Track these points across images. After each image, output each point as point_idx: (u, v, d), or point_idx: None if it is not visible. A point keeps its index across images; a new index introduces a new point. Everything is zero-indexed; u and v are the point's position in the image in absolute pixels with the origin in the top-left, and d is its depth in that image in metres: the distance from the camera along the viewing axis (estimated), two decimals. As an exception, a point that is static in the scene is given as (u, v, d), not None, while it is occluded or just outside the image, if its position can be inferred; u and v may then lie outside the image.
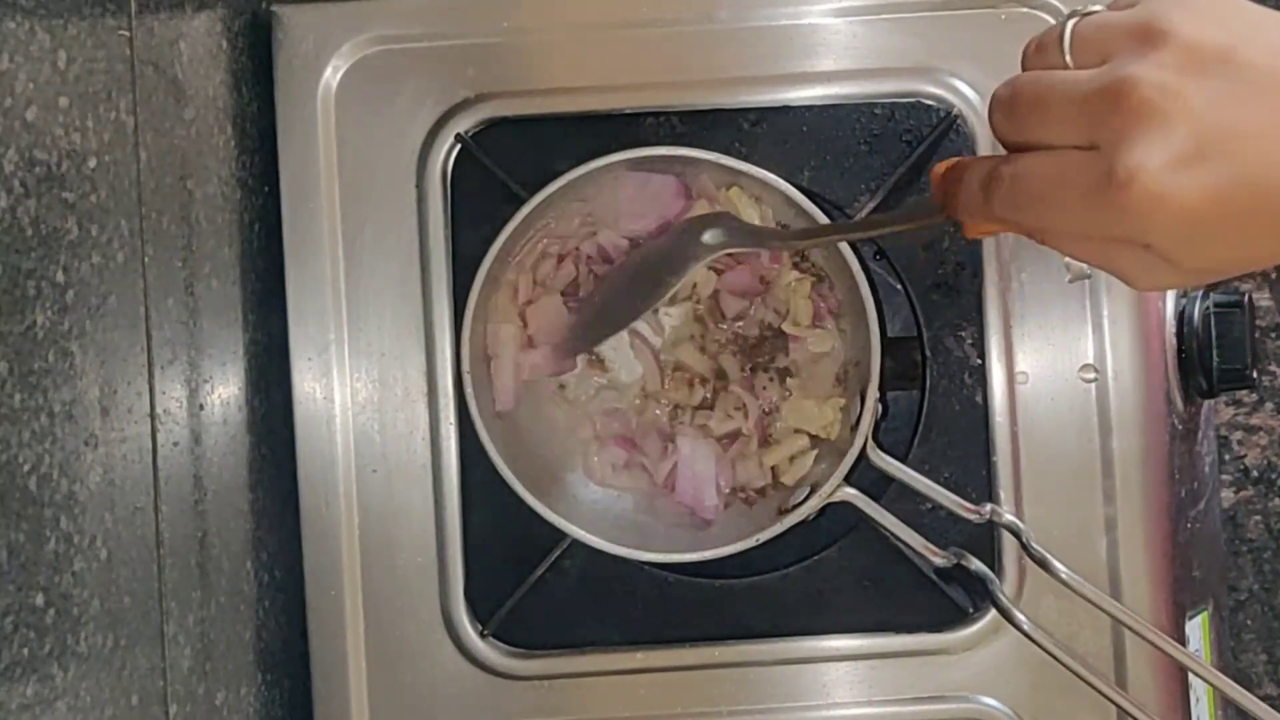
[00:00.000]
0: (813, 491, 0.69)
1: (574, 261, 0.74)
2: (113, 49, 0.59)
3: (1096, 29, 0.47)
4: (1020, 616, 0.63)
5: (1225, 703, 0.78)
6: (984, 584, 0.65)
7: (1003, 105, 0.49)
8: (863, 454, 0.68)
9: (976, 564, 0.65)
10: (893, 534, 0.68)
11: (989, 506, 0.68)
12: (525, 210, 0.69)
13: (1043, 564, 0.63)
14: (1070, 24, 0.48)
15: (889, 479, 0.70)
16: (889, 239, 0.74)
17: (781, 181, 0.69)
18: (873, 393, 0.68)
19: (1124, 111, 0.44)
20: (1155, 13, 0.45)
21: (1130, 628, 0.64)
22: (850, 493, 0.68)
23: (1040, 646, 0.64)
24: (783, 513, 0.69)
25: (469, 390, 0.70)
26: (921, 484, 0.68)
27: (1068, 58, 0.48)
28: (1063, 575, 0.62)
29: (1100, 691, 0.63)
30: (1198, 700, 0.74)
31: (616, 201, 0.73)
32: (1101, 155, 0.44)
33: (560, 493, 0.73)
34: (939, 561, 0.67)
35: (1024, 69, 0.50)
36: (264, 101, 0.75)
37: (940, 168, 0.54)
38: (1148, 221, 0.44)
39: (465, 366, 0.70)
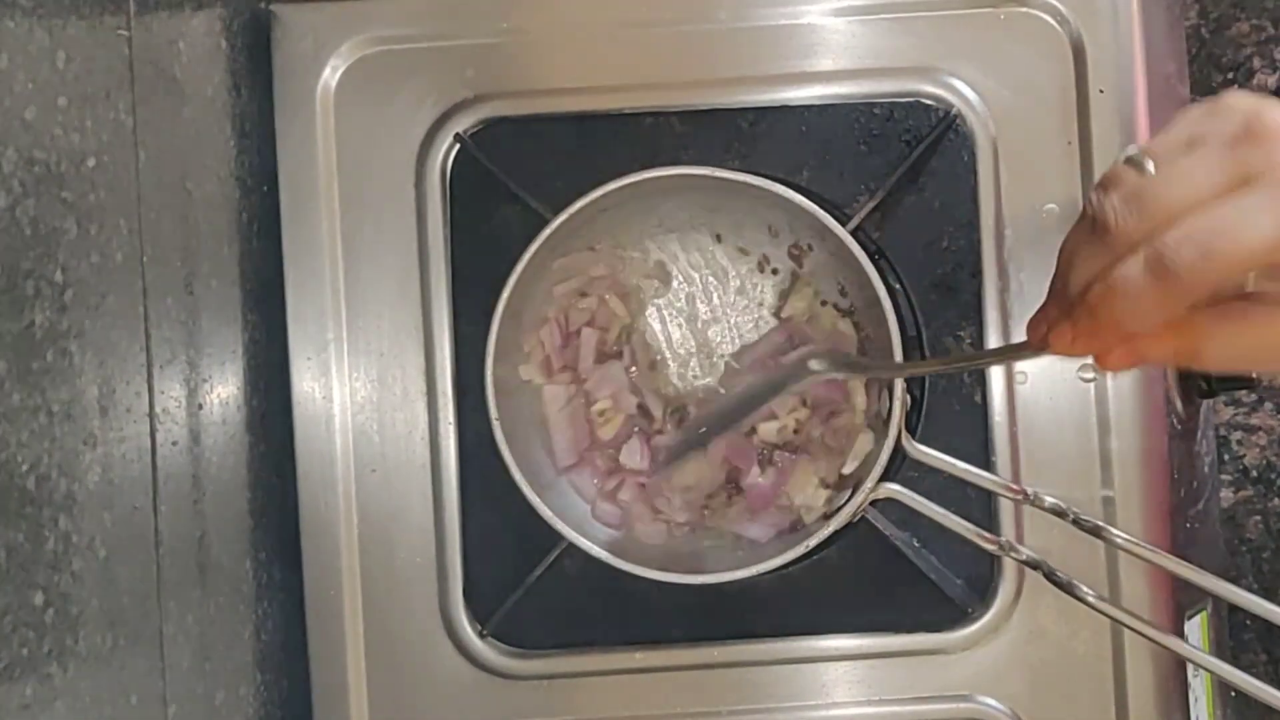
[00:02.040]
0: (854, 492, 0.69)
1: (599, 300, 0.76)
2: (112, 49, 0.59)
3: (1182, 143, 0.47)
4: (1085, 590, 0.62)
5: (1224, 703, 0.78)
6: (1039, 568, 0.65)
7: (1126, 196, 0.47)
8: (898, 447, 0.68)
9: (1026, 550, 0.65)
10: (940, 523, 0.67)
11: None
12: (536, 244, 0.70)
13: (1069, 590, 0.63)
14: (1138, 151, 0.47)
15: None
16: (889, 240, 0.74)
17: (793, 193, 0.69)
18: (899, 384, 0.68)
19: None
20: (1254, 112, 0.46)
21: (1164, 645, 0.63)
22: (892, 488, 0.68)
23: (1108, 615, 0.63)
24: (827, 516, 0.69)
25: (500, 436, 0.70)
26: (961, 470, 0.67)
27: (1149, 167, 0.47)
28: (1090, 600, 0.62)
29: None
30: (1196, 700, 0.74)
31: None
32: (1272, 175, 0.44)
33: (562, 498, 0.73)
34: (990, 548, 0.66)
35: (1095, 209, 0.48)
36: (263, 101, 0.75)
37: (1049, 314, 0.51)
38: None
39: (493, 414, 0.69)
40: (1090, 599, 0.62)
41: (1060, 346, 0.50)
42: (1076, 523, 0.63)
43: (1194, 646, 0.70)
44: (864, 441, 0.72)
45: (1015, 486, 0.67)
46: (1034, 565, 0.64)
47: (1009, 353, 0.57)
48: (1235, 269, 0.45)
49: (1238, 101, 0.46)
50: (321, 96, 0.75)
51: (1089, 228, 0.48)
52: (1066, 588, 0.62)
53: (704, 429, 0.73)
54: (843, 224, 0.69)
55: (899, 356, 0.68)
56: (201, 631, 0.65)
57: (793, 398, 0.74)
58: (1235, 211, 0.44)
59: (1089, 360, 0.72)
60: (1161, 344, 0.48)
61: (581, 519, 0.73)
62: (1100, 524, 0.62)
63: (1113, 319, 0.47)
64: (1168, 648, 0.61)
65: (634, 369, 0.75)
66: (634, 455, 0.74)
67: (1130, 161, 0.47)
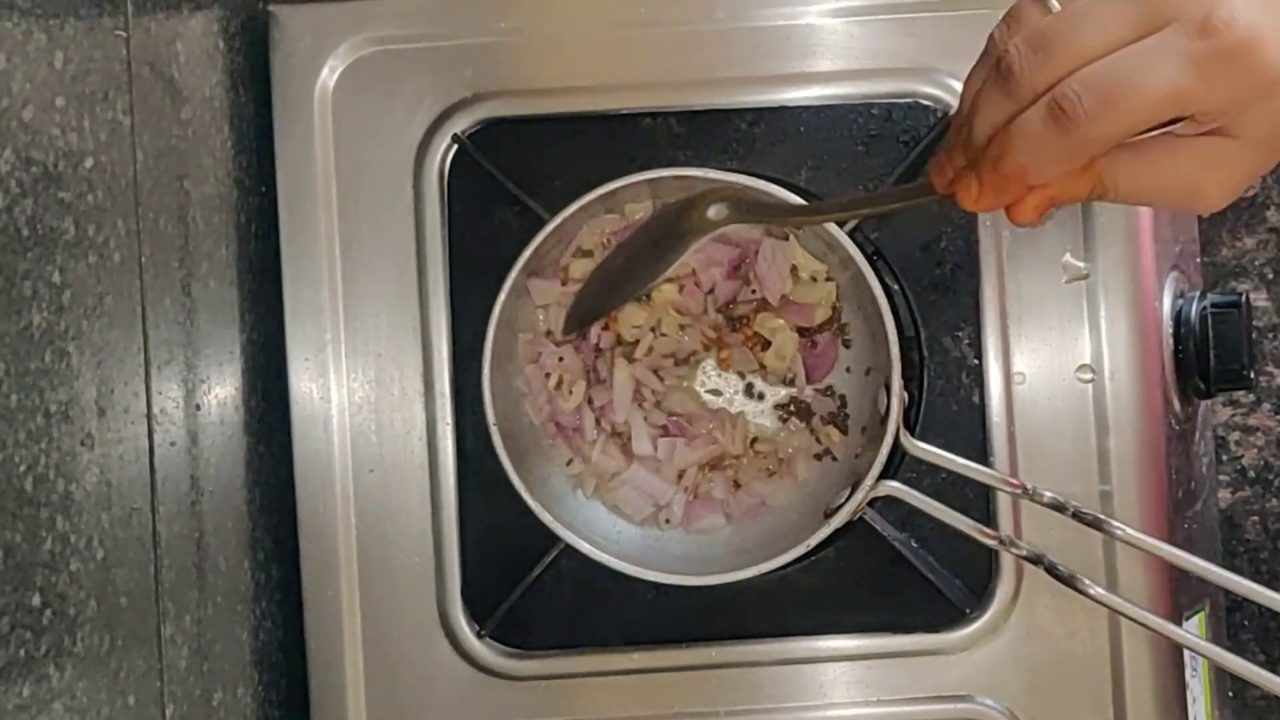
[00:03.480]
0: (853, 491, 0.69)
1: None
2: (109, 49, 0.59)
3: None
4: (1087, 582, 0.62)
5: (1222, 703, 0.78)
6: (1040, 563, 0.64)
7: (1030, 38, 0.46)
8: (896, 444, 0.68)
9: (1026, 545, 0.65)
10: (940, 520, 0.67)
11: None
12: (534, 244, 0.70)
13: (1071, 583, 0.63)
14: None
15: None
16: (887, 241, 0.74)
17: (791, 195, 0.69)
18: (896, 383, 0.68)
19: None
20: None
21: (1165, 634, 0.63)
22: (892, 485, 0.68)
23: (1113, 609, 0.63)
24: (827, 515, 0.69)
25: (498, 441, 0.70)
26: (959, 466, 0.67)
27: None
28: (1092, 592, 0.62)
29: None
30: (1194, 701, 0.74)
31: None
32: (1181, 22, 0.43)
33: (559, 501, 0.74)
34: (990, 543, 0.66)
35: (999, 44, 0.47)
36: (261, 102, 0.75)
37: (950, 146, 0.50)
38: (1249, 65, 0.43)
39: (491, 419, 0.69)
40: (1093, 591, 0.62)
41: (966, 200, 0.49)
42: (1076, 516, 0.63)
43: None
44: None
45: (1014, 481, 0.67)
46: (1035, 560, 0.64)
47: (911, 195, 0.56)
48: (1136, 119, 0.44)
49: None
50: (319, 97, 0.75)
51: (993, 68, 0.47)
52: (1069, 581, 0.62)
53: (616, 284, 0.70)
54: (841, 225, 0.69)
55: (897, 357, 0.68)
56: (199, 632, 0.65)
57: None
58: (1139, 59, 0.44)
59: (1087, 361, 0.73)
60: (1068, 188, 0.48)
61: (579, 519, 0.73)
62: (1100, 516, 0.62)
63: (1017, 170, 0.47)
64: (1169, 636, 0.61)
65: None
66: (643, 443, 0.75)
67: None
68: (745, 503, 0.75)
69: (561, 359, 0.74)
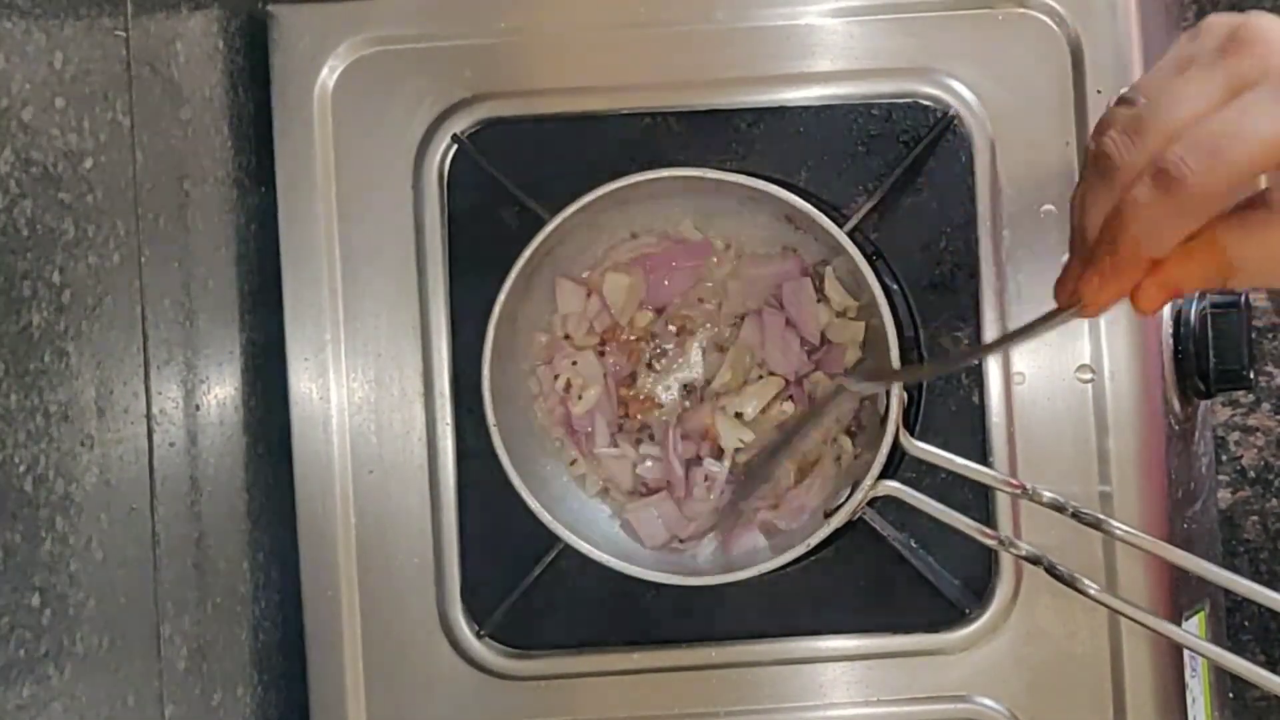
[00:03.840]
0: (853, 491, 0.69)
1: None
2: (109, 49, 0.59)
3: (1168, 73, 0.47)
4: (1086, 582, 0.62)
5: (1221, 704, 0.78)
6: (1040, 563, 0.64)
7: (1124, 127, 0.46)
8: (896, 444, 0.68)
9: (1025, 545, 0.65)
10: (940, 520, 0.67)
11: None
12: (533, 245, 0.70)
13: (1071, 583, 0.63)
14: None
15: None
16: (887, 241, 0.74)
17: (790, 195, 0.69)
18: (896, 384, 0.68)
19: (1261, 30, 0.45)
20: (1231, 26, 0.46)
21: (1166, 634, 0.63)
22: (892, 485, 0.68)
23: (1113, 609, 0.63)
24: (828, 515, 0.69)
25: (498, 441, 0.70)
26: (959, 465, 0.67)
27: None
28: (1092, 592, 0.62)
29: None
30: (1194, 701, 0.74)
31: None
32: (1270, 77, 0.44)
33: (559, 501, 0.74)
34: (990, 543, 0.66)
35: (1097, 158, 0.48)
36: (260, 102, 0.75)
37: (1074, 263, 0.50)
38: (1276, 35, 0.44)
39: (491, 420, 0.69)
40: (1092, 591, 0.62)
41: (1090, 295, 0.48)
42: (1076, 516, 0.63)
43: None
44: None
45: (1014, 481, 0.67)
46: (1034, 560, 0.64)
47: (1041, 323, 0.56)
48: (1244, 170, 0.44)
49: (1219, 18, 0.46)
50: (319, 97, 0.75)
51: (1095, 171, 0.47)
52: (1068, 581, 0.62)
53: (753, 473, 0.73)
54: (840, 225, 0.69)
55: (896, 357, 0.68)
56: (199, 632, 0.65)
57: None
58: (1236, 112, 0.44)
59: (1086, 361, 0.73)
60: (1190, 267, 0.47)
61: (579, 520, 0.73)
62: (1100, 516, 0.62)
63: (1133, 247, 0.46)
64: (1169, 636, 0.61)
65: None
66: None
67: (1123, 100, 0.47)
68: (786, 510, 0.75)
69: (575, 363, 0.74)
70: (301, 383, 0.75)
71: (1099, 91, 0.73)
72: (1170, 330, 0.74)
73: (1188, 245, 0.46)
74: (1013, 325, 0.73)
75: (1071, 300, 0.50)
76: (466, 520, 0.74)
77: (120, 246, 0.58)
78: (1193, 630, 0.75)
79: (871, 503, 0.70)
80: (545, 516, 0.69)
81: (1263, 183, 0.46)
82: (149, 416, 0.61)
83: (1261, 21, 0.45)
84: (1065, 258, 0.51)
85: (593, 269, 0.75)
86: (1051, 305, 0.52)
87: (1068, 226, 0.72)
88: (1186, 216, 0.45)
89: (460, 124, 0.75)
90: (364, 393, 0.75)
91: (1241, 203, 0.46)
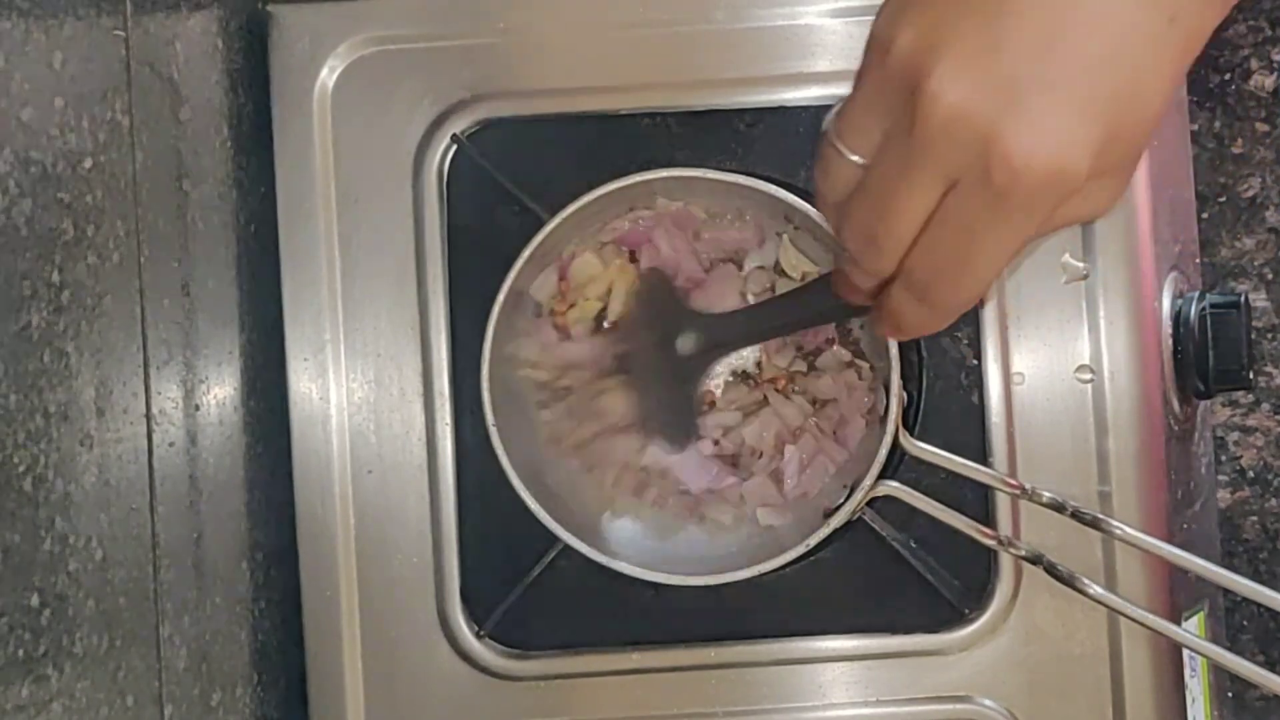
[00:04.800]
0: (853, 490, 0.69)
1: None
2: (108, 49, 0.59)
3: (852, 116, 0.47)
4: (1086, 582, 0.62)
5: (1221, 704, 0.78)
6: (1039, 562, 0.65)
7: (858, 234, 0.47)
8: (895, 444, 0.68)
9: (1025, 545, 0.65)
10: (939, 519, 0.67)
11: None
12: (533, 245, 0.70)
13: (1070, 583, 0.63)
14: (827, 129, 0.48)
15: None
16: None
17: (790, 195, 0.69)
18: (895, 382, 0.68)
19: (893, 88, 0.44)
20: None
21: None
22: (891, 485, 0.68)
23: (1112, 609, 0.63)
24: (827, 515, 0.69)
25: (497, 442, 0.70)
26: (959, 465, 0.67)
27: (846, 154, 0.47)
28: (1091, 592, 0.62)
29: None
30: (1193, 701, 0.74)
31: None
32: (968, 180, 0.43)
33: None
34: (989, 543, 0.66)
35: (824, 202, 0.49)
36: (260, 102, 0.75)
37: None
38: (1057, 184, 0.42)
39: (490, 420, 0.69)
40: (1092, 591, 0.62)
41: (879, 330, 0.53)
42: (1076, 515, 0.63)
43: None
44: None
45: (1013, 481, 0.67)
46: (1034, 560, 0.64)
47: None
48: (990, 274, 0.46)
49: (899, 69, 0.44)
50: (319, 97, 0.75)
51: (847, 263, 0.50)
52: (1068, 581, 0.62)
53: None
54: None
55: (896, 357, 0.68)
56: (198, 632, 0.65)
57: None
58: (959, 235, 0.44)
59: (1086, 361, 0.73)
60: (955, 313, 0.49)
61: (578, 520, 0.73)
62: (1099, 515, 0.62)
63: (917, 328, 0.50)
64: (1168, 636, 0.62)
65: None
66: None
67: (832, 147, 0.47)
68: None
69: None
70: (301, 383, 0.75)
71: (1098, 92, 0.73)
72: (1170, 330, 0.74)
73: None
74: (1013, 326, 0.73)
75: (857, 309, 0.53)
76: (466, 520, 0.74)
77: (120, 246, 0.58)
78: (1192, 630, 0.75)
79: (871, 503, 0.70)
80: (544, 517, 0.69)
81: None
82: (148, 416, 0.61)
83: (940, 87, 0.42)
84: None
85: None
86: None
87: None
88: (952, 313, 0.49)
89: (460, 124, 0.75)
90: (363, 393, 0.75)
91: None
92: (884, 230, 0.46)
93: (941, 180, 0.43)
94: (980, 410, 0.73)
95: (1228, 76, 0.90)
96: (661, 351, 0.68)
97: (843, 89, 0.73)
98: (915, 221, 0.45)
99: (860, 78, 0.46)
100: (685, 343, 0.67)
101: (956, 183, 0.43)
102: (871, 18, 0.74)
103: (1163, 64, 0.42)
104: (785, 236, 0.73)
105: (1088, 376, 0.73)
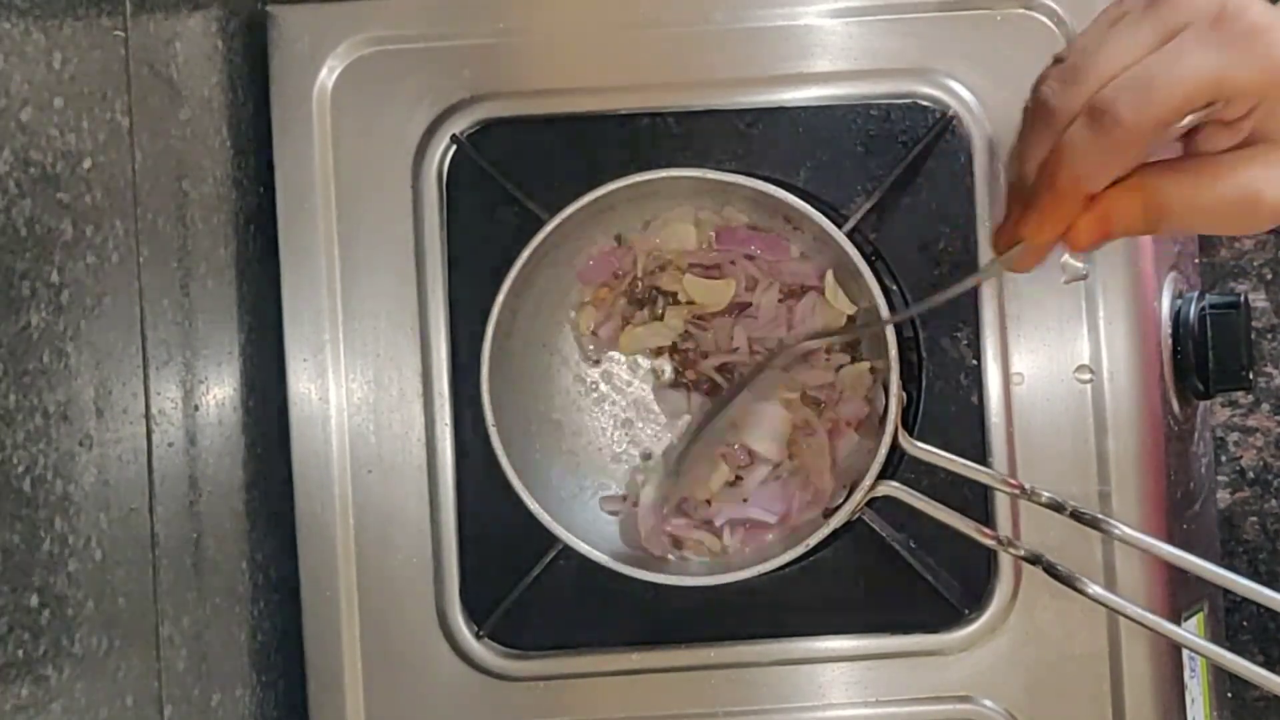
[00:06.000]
0: (852, 491, 0.69)
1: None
2: (108, 49, 0.59)
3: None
4: (1085, 581, 0.62)
5: (1220, 704, 0.78)
6: (1039, 562, 0.65)
7: (1059, 74, 0.49)
8: (895, 445, 0.68)
9: (1025, 545, 0.65)
10: (939, 520, 0.67)
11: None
12: (532, 245, 0.70)
13: (1070, 583, 0.63)
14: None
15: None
16: (886, 242, 0.74)
17: (790, 195, 0.69)
18: (895, 383, 0.68)
19: None
20: None
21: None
22: (891, 485, 0.68)
23: (1112, 609, 0.63)
24: (827, 515, 0.69)
25: (496, 442, 0.70)
26: (958, 465, 0.67)
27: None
28: (1091, 592, 0.62)
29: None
30: (1193, 701, 0.74)
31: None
32: (1196, 22, 0.46)
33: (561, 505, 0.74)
34: (989, 543, 0.66)
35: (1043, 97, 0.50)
36: (259, 102, 0.75)
37: (1013, 187, 0.53)
38: (1266, 46, 0.46)
39: (490, 420, 0.69)
40: (1091, 591, 0.62)
41: (1030, 233, 0.51)
42: (1075, 515, 0.63)
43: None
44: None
45: (1013, 481, 0.67)
46: (1033, 560, 0.64)
47: (987, 272, 0.63)
48: (1173, 108, 0.47)
49: None
50: (318, 97, 0.75)
51: (1032, 120, 0.50)
52: (1068, 581, 0.62)
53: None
54: (839, 225, 0.69)
55: (895, 357, 0.68)
56: (198, 633, 0.65)
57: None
58: (1166, 55, 0.47)
59: (1086, 361, 0.73)
60: (1126, 205, 0.50)
61: (578, 520, 0.73)
62: (1099, 515, 0.63)
63: (1071, 183, 0.49)
64: (1168, 636, 0.62)
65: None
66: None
67: (1058, 60, 0.50)
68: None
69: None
70: (300, 383, 0.75)
71: (1098, 92, 0.73)
72: (1170, 331, 0.74)
73: (1122, 184, 0.49)
74: (1012, 326, 0.73)
75: (1011, 241, 0.52)
76: (465, 520, 0.74)
77: (119, 246, 0.58)
78: (1192, 630, 0.75)
79: (870, 503, 0.70)
80: (544, 517, 0.69)
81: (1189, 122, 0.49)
82: (148, 416, 0.61)
83: None
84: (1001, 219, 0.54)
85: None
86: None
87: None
88: (1121, 152, 0.48)
89: (459, 124, 0.75)
90: (363, 393, 0.75)
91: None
92: (1094, 63, 0.48)
93: (1164, 27, 0.47)
94: (980, 410, 0.73)
95: (1227, 77, 0.89)
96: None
97: (843, 89, 0.74)
98: (1125, 58, 0.47)
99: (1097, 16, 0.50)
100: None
101: (1178, 33, 0.47)
102: (870, 18, 0.75)
103: None
104: (830, 274, 0.73)
105: (1087, 377, 0.73)
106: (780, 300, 0.74)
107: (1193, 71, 0.46)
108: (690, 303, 0.75)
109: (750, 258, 0.74)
